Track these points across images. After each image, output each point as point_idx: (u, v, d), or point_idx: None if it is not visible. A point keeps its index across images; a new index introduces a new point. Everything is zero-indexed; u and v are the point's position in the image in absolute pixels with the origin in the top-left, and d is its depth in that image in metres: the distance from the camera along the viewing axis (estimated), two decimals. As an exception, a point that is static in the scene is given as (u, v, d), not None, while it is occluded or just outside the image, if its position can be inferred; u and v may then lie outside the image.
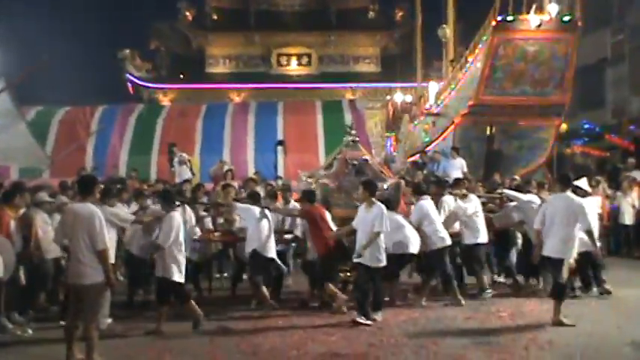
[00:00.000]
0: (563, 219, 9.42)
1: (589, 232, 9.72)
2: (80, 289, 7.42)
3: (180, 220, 9.60)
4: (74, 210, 7.70)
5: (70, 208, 7.93)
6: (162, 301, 9.35)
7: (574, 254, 9.72)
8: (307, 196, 11.07)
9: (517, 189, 13.14)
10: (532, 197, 12.09)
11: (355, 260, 9.78)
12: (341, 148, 12.73)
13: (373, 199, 9.85)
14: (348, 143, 12.66)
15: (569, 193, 9.82)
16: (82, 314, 7.46)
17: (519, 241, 12.70)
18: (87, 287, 7.38)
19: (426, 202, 11.29)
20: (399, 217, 10.92)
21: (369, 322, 9.39)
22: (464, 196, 11.90)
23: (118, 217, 9.82)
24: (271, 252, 10.66)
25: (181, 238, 9.34)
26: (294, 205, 12.18)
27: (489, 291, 11.58)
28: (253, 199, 11.21)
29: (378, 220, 9.61)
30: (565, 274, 9.45)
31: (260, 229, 10.55)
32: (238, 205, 11.39)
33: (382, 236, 9.77)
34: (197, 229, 11.54)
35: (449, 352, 8.09)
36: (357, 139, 12.88)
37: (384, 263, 9.78)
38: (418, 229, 10.96)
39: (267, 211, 10.87)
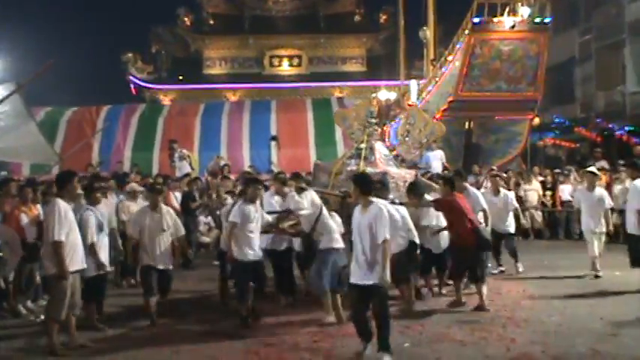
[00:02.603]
0: None
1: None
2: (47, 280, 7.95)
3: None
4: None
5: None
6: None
7: None
8: (450, 183, 9.67)
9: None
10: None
11: (359, 282, 7.02)
12: (368, 137, 11.60)
13: (370, 198, 7.16)
14: (372, 132, 11.80)
15: None
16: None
17: None
18: (48, 279, 7.79)
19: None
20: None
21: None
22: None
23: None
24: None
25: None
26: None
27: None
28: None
29: (379, 224, 6.94)
30: None
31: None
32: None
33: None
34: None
35: (433, 330, 8.09)
36: (378, 129, 12.34)
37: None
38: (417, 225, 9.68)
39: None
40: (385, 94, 33.60)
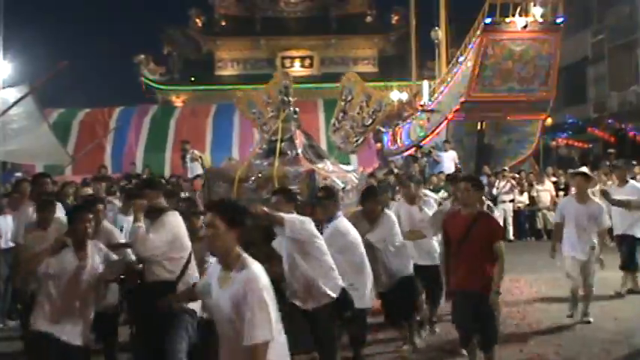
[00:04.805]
0: None
1: None
2: None
3: None
4: None
5: None
6: None
7: None
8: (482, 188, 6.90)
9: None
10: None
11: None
12: (283, 123, 8.14)
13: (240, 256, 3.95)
14: (291, 116, 8.29)
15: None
16: None
17: None
18: None
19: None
20: None
21: None
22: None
23: None
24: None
25: None
26: None
27: None
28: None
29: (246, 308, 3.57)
30: None
31: None
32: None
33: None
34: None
35: (446, 330, 8.05)
36: (297, 109, 8.53)
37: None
38: None
39: None
40: (397, 94, 33.65)
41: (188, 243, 5.68)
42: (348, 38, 46.74)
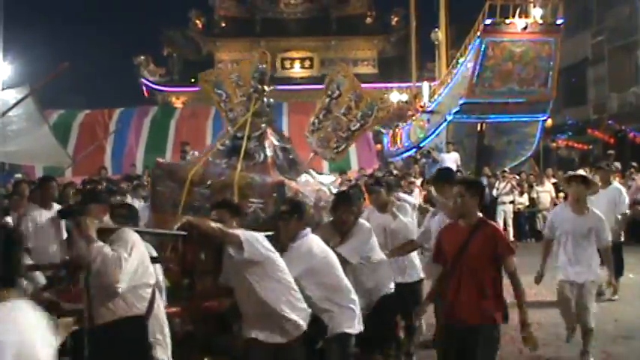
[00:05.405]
0: None
1: None
2: None
3: None
4: None
5: None
6: None
7: None
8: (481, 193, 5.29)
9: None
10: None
11: None
12: (254, 117, 6.70)
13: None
14: (263, 109, 6.88)
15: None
16: None
17: None
18: None
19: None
20: None
21: None
22: None
23: None
24: None
25: None
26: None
27: None
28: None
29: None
30: None
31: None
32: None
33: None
34: None
35: None
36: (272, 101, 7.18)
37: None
38: None
39: None
40: (397, 96, 33.64)
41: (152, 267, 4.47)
42: (348, 39, 46.80)
